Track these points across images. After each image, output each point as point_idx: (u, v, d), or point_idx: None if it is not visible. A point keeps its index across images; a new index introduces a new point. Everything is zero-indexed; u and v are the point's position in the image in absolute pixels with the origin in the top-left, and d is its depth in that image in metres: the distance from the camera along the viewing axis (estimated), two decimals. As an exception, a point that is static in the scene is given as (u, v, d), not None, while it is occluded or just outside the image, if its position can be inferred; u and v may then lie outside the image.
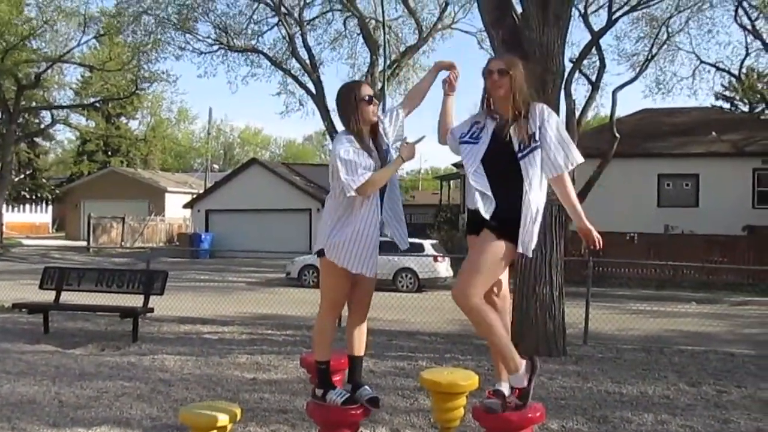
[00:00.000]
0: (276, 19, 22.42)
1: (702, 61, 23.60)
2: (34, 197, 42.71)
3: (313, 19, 23.97)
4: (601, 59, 17.51)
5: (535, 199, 3.50)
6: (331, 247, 3.69)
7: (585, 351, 7.93)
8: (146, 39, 22.44)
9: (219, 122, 62.01)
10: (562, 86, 8.43)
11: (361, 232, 3.67)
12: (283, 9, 21.88)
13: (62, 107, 31.72)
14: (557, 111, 8.01)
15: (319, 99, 21.90)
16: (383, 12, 20.61)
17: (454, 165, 27.90)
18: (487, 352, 6.15)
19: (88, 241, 31.37)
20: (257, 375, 6.42)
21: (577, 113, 16.77)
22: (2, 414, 4.98)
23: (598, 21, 18.89)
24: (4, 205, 29.72)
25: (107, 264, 20.54)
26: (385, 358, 7.22)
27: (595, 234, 3.60)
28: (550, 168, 3.53)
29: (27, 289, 10.94)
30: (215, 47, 23.11)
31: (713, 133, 22.70)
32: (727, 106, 38.09)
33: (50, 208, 46.39)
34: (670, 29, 20.39)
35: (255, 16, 22.73)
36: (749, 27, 21.84)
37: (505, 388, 3.72)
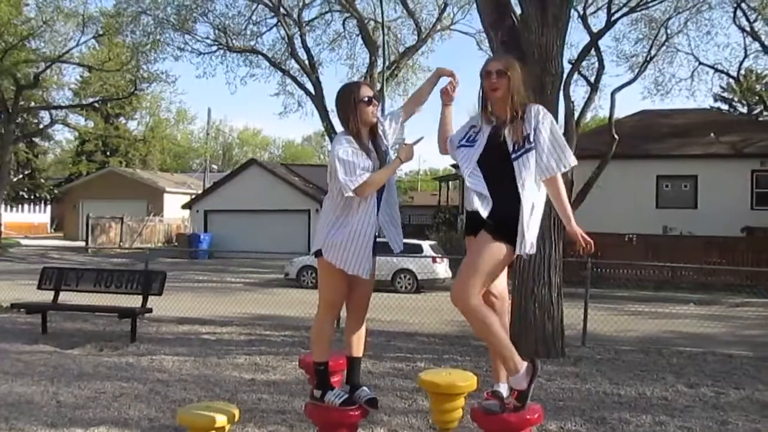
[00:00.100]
0: (275, 20, 22.43)
1: (701, 63, 23.64)
2: (32, 197, 42.66)
3: (312, 19, 24.00)
4: (600, 60, 17.51)
5: (529, 200, 3.50)
6: (329, 247, 3.69)
7: (583, 352, 7.93)
8: (145, 39, 22.42)
9: (218, 123, 62.04)
10: (561, 87, 8.43)
11: (358, 233, 3.67)
12: (282, 10, 21.88)
13: (61, 107, 31.68)
14: (556, 112, 8.02)
15: (318, 100, 21.90)
16: (382, 13, 20.66)
17: (453, 166, 27.89)
18: (485, 354, 6.16)
19: (87, 241, 31.35)
20: (255, 376, 6.42)
21: (576, 114, 16.76)
22: (0, 414, 4.97)
23: (597, 22, 18.91)
24: (3, 205, 29.71)
25: (106, 264, 20.54)
26: (384, 359, 7.21)
27: (584, 237, 3.56)
28: (543, 170, 3.53)
29: (25, 289, 10.93)
30: (214, 48, 23.12)
31: (712, 135, 22.72)
32: (725, 107, 38.16)
33: (49, 208, 46.37)
34: (668, 30, 20.40)
35: (254, 17, 22.76)
36: (748, 29, 21.86)
37: (503, 390, 3.72)
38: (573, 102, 17.15)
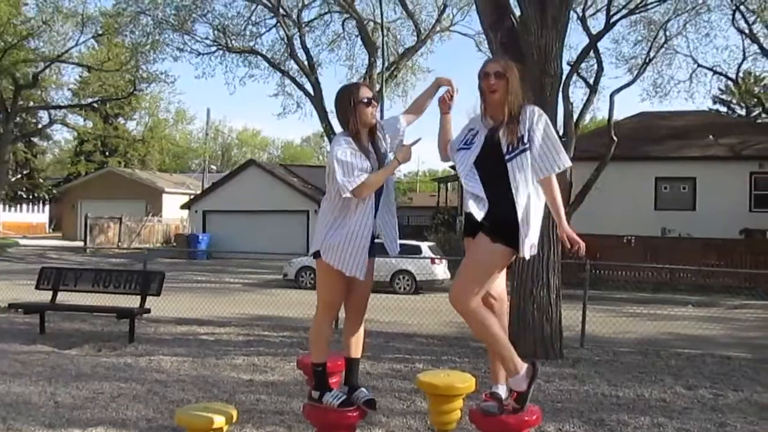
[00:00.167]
0: (274, 21, 22.41)
1: (699, 65, 23.66)
2: (31, 197, 42.65)
3: (312, 20, 23.98)
4: (599, 62, 17.52)
5: (526, 201, 3.50)
6: (327, 248, 3.70)
7: (582, 354, 7.93)
8: (144, 39, 22.41)
9: (217, 123, 62.00)
10: (561, 89, 8.44)
11: (355, 234, 3.67)
12: (281, 10, 21.87)
13: (60, 107, 31.65)
14: (555, 113, 8.03)
15: (317, 100, 21.89)
16: (382, 14, 20.68)
17: (452, 167, 27.88)
18: (484, 355, 6.16)
19: (85, 241, 31.33)
20: (254, 376, 6.41)
21: (575, 116, 16.78)
22: (-3, 414, 4.97)
23: (596, 24, 18.93)
24: (1, 205, 29.70)
25: (104, 264, 20.52)
26: (382, 360, 7.21)
27: (572, 239, 3.54)
28: (537, 170, 3.52)
29: (23, 290, 10.92)
30: (213, 48, 23.10)
31: (710, 137, 22.75)
32: (724, 109, 38.21)
33: (47, 208, 46.33)
34: (667, 32, 20.42)
35: (253, 18, 22.71)
36: (746, 31, 21.89)
37: (502, 391, 3.72)
38: (572, 103, 17.17)
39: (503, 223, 3.49)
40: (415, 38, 23.64)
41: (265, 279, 19.04)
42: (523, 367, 3.53)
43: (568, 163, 3.58)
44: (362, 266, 3.70)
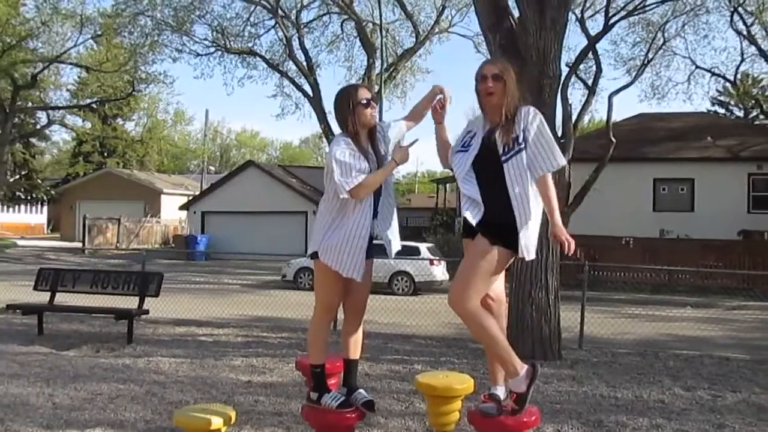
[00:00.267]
0: (273, 22, 22.41)
1: (698, 66, 23.69)
2: (29, 198, 42.61)
3: (311, 21, 23.98)
4: (598, 64, 17.48)
5: (523, 202, 3.49)
6: (325, 249, 3.70)
7: (580, 355, 7.93)
8: (143, 40, 22.40)
9: (216, 124, 62.02)
10: (559, 90, 8.44)
11: (353, 235, 3.67)
12: (280, 11, 21.88)
13: (58, 108, 31.65)
14: (554, 115, 8.03)
15: (315, 101, 21.88)
16: (380, 15, 20.67)
17: (451, 168, 27.89)
18: (482, 356, 6.15)
19: (83, 242, 31.31)
20: (252, 378, 6.41)
21: (574, 117, 16.77)
22: (-5, 416, 4.96)
23: (595, 26, 18.92)
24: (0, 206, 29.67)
25: (102, 265, 20.51)
26: (381, 362, 7.21)
27: (566, 239, 3.50)
28: (532, 169, 3.52)
29: (21, 290, 10.91)
30: (212, 49, 23.10)
31: (708, 138, 22.78)
32: (722, 111, 38.27)
33: (45, 208, 46.28)
34: (666, 34, 20.42)
35: (252, 19, 22.72)
36: (745, 33, 21.93)
37: (500, 392, 3.72)
38: (571, 105, 17.14)
39: (501, 225, 3.49)
40: (414, 39, 23.65)
41: (264, 280, 19.03)
42: (522, 368, 3.53)
43: (563, 162, 3.56)
44: (360, 267, 3.70)
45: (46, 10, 24.14)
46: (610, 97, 18.39)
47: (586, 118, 24.71)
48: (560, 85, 8.94)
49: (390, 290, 16.04)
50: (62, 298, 9.15)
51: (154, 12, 21.60)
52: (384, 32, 21.71)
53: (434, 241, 21.67)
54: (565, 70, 13.23)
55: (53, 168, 52.22)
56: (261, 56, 23.05)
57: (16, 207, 42.92)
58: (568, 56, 18.28)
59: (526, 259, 3.55)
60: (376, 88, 20.41)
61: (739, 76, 25.60)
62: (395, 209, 3.96)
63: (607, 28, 17.55)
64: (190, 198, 34.32)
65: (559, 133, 10.48)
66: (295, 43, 22.16)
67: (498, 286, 3.79)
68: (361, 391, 3.89)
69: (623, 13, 18.23)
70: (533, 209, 3.54)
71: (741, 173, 21.79)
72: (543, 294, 7.46)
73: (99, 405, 5.32)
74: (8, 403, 5.30)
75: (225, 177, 33.60)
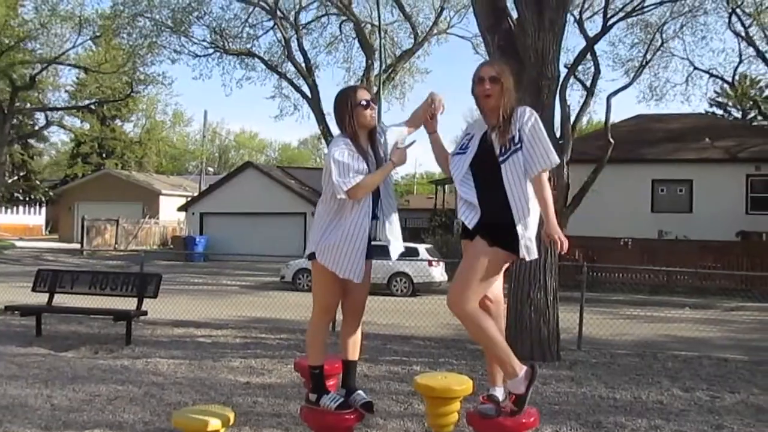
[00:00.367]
0: (271, 23, 22.43)
1: (696, 68, 23.71)
2: (27, 199, 42.58)
3: (309, 22, 24.00)
4: (596, 65, 17.51)
5: (521, 202, 3.49)
6: (322, 250, 3.70)
7: (579, 356, 7.93)
8: (142, 42, 22.39)
9: (215, 125, 61.99)
10: (558, 91, 8.45)
11: (351, 236, 3.67)
12: (278, 13, 21.88)
13: (57, 109, 31.62)
14: (552, 116, 8.03)
15: (314, 103, 21.90)
16: (379, 16, 20.68)
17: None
18: (481, 357, 6.16)
19: (82, 243, 31.30)
20: (251, 379, 6.40)
21: (572, 118, 16.79)
22: (-6, 417, 4.95)
23: (593, 27, 18.95)
24: (-2, 207, 29.67)
25: (101, 266, 20.49)
26: (380, 363, 7.21)
27: (558, 239, 3.48)
28: (527, 169, 3.51)
29: (19, 292, 10.90)
30: (210, 50, 23.11)
31: (707, 139, 22.80)
32: (720, 112, 38.32)
33: (44, 210, 46.25)
34: (664, 35, 20.45)
35: (250, 20, 22.74)
36: (743, 34, 21.95)
37: (499, 393, 3.73)
38: (569, 106, 17.17)
39: (500, 226, 3.49)
40: (413, 41, 23.68)
41: (263, 281, 19.02)
42: (521, 369, 3.53)
43: (556, 160, 3.55)
44: (357, 268, 3.69)
45: (44, 11, 24.14)
46: (608, 99, 18.44)
47: (585, 120, 24.70)
48: (559, 87, 8.94)
49: (389, 291, 16.04)
50: (61, 300, 9.14)
51: (153, 13, 21.61)
52: (382, 33, 21.72)
53: (433, 242, 21.67)
54: (563, 71, 13.26)
55: (51, 169, 52.18)
56: (259, 57, 23.07)
57: (15, 208, 42.88)
58: (566, 57, 18.31)
59: (528, 259, 3.54)
60: (375, 89, 20.40)
61: (737, 77, 25.59)
62: (396, 211, 3.95)
63: (606, 29, 17.58)
64: (189, 199, 34.31)
65: (558, 134, 10.49)
66: (294, 45, 22.18)
67: (496, 287, 3.79)
68: (360, 392, 3.89)
69: (621, 14, 18.27)
70: (532, 209, 3.53)
71: (739, 174, 21.82)
72: (542, 295, 7.46)
73: (97, 406, 5.31)
74: (6, 404, 5.29)
75: (223, 178, 33.59)
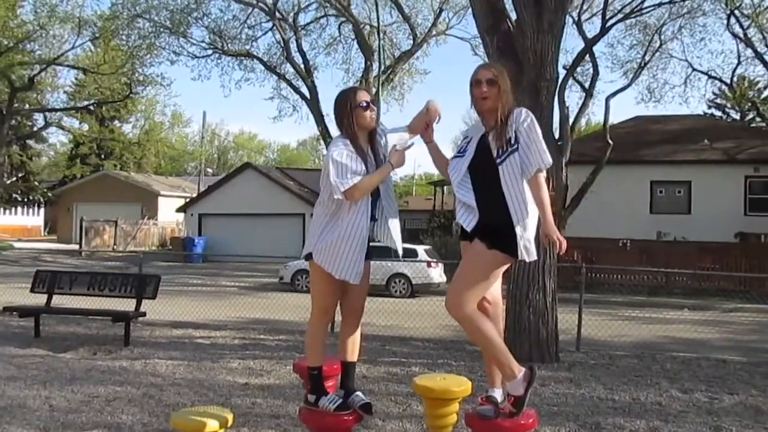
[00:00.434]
0: (270, 24, 22.44)
1: (694, 69, 23.74)
2: (26, 200, 42.57)
3: (308, 24, 24.00)
4: (595, 66, 17.53)
5: (519, 204, 3.49)
6: (319, 251, 3.70)
7: (578, 357, 7.93)
8: (141, 43, 22.39)
9: (214, 126, 62.01)
10: (556, 93, 8.46)
11: (348, 236, 3.66)
12: (277, 14, 21.89)
13: (55, 110, 31.64)
14: (551, 117, 8.04)
15: (313, 104, 21.90)
16: (378, 17, 20.65)
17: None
18: (480, 358, 6.16)
19: (80, 244, 31.26)
20: (249, 380, 6.40)
21: (571, 120, 16.81)
22: (-8, 418, 4.95)
23: (592, 28, 18.99)
24: (-4, 208, 29.65)
25: (99, 267, 20.47)
26: (378, 364, 7.21)
27: (556, 239, 3.46)
28: (524, 169, 3.51)
29: (18, 293, 10.89)
30: (209, 51, 23.10)
31: (705, 141, 22.83)
32: (718, 113, 38.36)
33: (42, 210, 46.24)
34: (662, 36, 20.48)
35: (249, 21, 22.74)
36: (741, 35, 21.98)
37: (497, 395, 3.72)
38: (568, 107, 17.19)
39: (499, 228, 3.49)
40: (412, 42, 23.68)
41: (261, 282, 19.02)
42: (520, 371, 3.53)
43: (549, 161, 3.52)
44: (354, 269, 3.68)
45: (43, 13, 24.15)
46: (607, 100, 18.46)
47: (583, 121, 24.68)
48: (557, 88, 8.96)
49: (387, 292, 16.04)
50: (59, 301, 9.13)
51: (152, 15, 21.60)
52: (381, 35, 21.70)
53: (431, 244, 21.67)
54: (562, 72, 13.27)
55: (50, 170, 52.18)
56: (258, 58, 23.07)
57: (13, 209, 42.87)
58: (565, 59, 18.34)
59: (527, 260, 3.54)
60: (374, 90, 20.41)
61: (735, 78, 25.64)
62: (396, 212, 3.94)
63: (604, 30, 17.60)
64: (188, 200, 34.29)
65: (557, 136, 10.49)
66: (293, 46, 22.19)
67: (495, 289, 3.79)
68: (359, 393, 3.88)
69: (620, 15, 18.28)
70: (530, 210, 3.53)
71: (738, 176, 21.85)
72: (540, 296, 7.46)
73: (96, 407, 5.31)
74: (5, 405, 5.29)
75: (222, 179, 33.59)
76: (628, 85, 20.40)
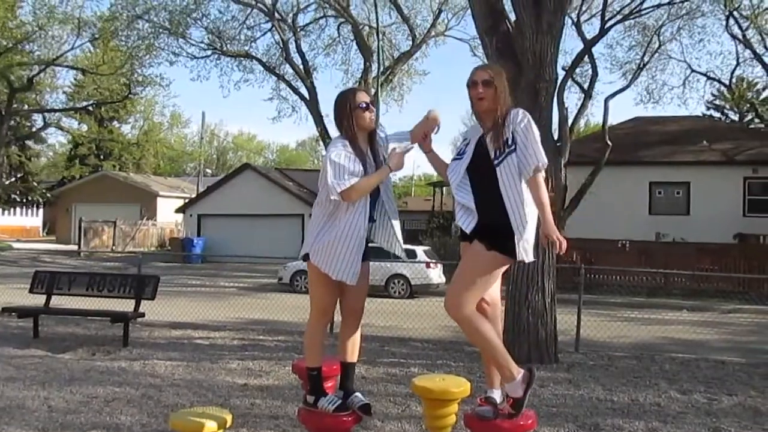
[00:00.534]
0: (269, 25, 22.43)
1: (693, 70, 23.78)
2: (25, 200, 42.52)
3: (307, 24, 24.00)
4: (594, 67, 17.56)
5: (517, 205, 3.49)
6: (316, 251, 3.70)
7: (576, 358, 7.93)
8: (140, 43, 22.38)
9: (213, 127, 61.99)
10: (555, 94, 8.46)
11: (345, 236, 3.66)
12: (276, 15, 21.89)
13: (54, 110, 31.62)
14: (550, 118, 8.04)
15: (312, 104, 21.90)
16: (377, 18, 20.61)
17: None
18: (479, 359, 6.15)
19: (79, 245, 31.23)
20: (248, 381, 6.40)
21: (570, 121, 16.83)
22: (-10, 419, 4.94)
23: (591, 29, 19.01)
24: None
25: (98, 268, 20.45)
26: (377, 365, 7.21)
27: (556, 239, 3.45)
28: (521, 169, 3.50)
29: (17, 293, 10.88)
30: (208, 52, 23.10)
31: (704, 142, 22.84)
32: (717, 115, 38.38)
33: (41, 211, 46.21)
34: (661, 38, 20.51)
35: (248, 22, 22.74)
36: (740, 36, 22.01)
37: (496, 395, 3.73)
38: (567, 108, 17.20)
39: (497, 229, 3.49)
40: (411, 43, 23.69)
41: (260, 283, 19.01)
42: (519, 373, 3.53)
43: (545, 161, 3.51)
44: (351, 270, 3.67)
45: (41, 14, 24.14)
46: (606, 101, 18.50)
47: (582, 122, 24.73)
48: (556, 89, 8.95)
49: (386, 293, 16.03)
50: (58, 301, 9.12)
51: (151, 16, 21.59)
52: (380, 35, 21.73)
53: (431, 244, 21.68)
54: (561, 73, 13.27)
55: (49, 171, 52.14)
56: (257, 59, 23.07)
57: (12, 210, 42.84)
58: (564, 60, 18.35)
59: (525, 261, 3.54)
60: (373, 91, 20.42)
61: (734, 80, 25.67)
62: (396, 213, 3.93)
63: (603, 31, 17.62)
64: (187, 201, 34.28)
65: (556, 137, 10.49)
66: (292, 47, 22.19)
67: (494, 290, 3.79)
68: (358, 394, 3.88)
69: (619, 16, 18.31)
70: (528, 211, 3.53)
71: (736, 177, 21.86)
72: (539, 297, 7.46)
73: (95, 408, 5.30)
74: (3, 406, 5.28)
75: (221, 180, 33.58)
76: (627, 86, 20.43)
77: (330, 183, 3.59)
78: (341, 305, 3.92)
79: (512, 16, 7.74)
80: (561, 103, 14.21)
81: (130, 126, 45.07)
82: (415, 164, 64.10)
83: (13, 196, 40.65)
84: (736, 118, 37.28)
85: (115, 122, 44.20)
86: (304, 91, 22.31)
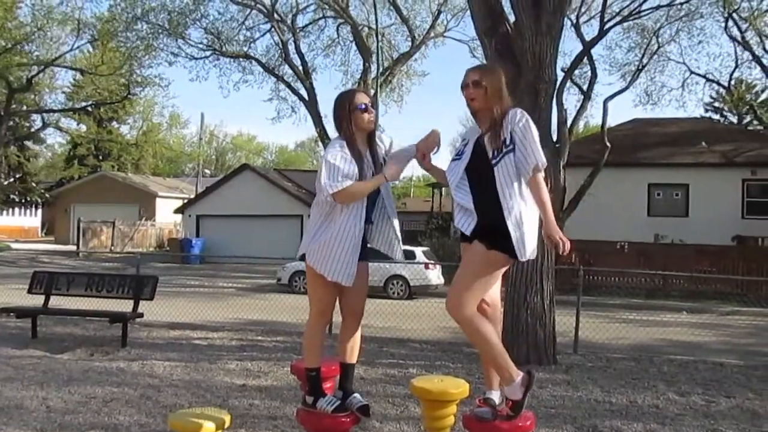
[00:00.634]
0: (269, 26, 22.44)
1: (692, 72, 23.82)
2: (23, 201, 42.51)
3: (306, 25, 24.03)
4: (593, 69, 17.57)
5: (516, 204, 3.48)
6: (312, 252, 3.70)
7: (575, 360, 7.94)
8: (139, 44, 22.37)
9: (212, 128, 61.98)
10: (554, 95, 8.46)
11: (341, 237, 3.65)
12: (275, 15, 21.90)
13: (53, 111, 31.61)
14: (549, 120, 8.04)
15: (311, 105, 21.91)
16: (376, 19, 20.69)
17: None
18: (477, 360, 6.15)
19: (78, 245, 31.21)
20: (247, 381, 6.39)
21: (569, 122, 16.85)
22: (-11, 419, 4.94)
23: (590, 31, 19.01)
24: (-6, 209, 29.61)
25: (97, 268, 20.44)
26: (376, 366, 7.20)
27: (559, 239, 3.45)
28: (520, 169, 3.50)
29: (15, 294, 10.87)
30: (207, 53, 23.11)
31: (703, 144, 22.86)
32: (716, 116, 38.43)
33: (40, 211, 46.19)
34: (660, 39, 20.54)
35: (247, 22, 22.76)
36: (739, 38, 22.05)
37: (495, 397, 3.73)
38: (566, 110, 17.20)
39: (497, 229, 3.49)
40: (410, 44, 23.72)
41: (259, 283, 19.00)
42: (518, 375, 3.53)
43: (544, 161, 3.51)
44: (346, 271, 3.66)
45: (40, 14, 24.13)
46: (605, 102, 18.50)
47: (582, 123, 24.79)
48: (555, 90, 8.95)
49: (385, 294, 16.03)
50: (56, 302, 9.11)
51: (150, 16, 21.58)
52: (380, 36, 21.75)
53: (429, 245, 21.67)
54: (560, 75, 13.27)
55: (48, 171, 52.14)
56: (257, 60, 23.08)
57: (11, 210, 42.81)
58: (563, 61, 18.35)
59: (521, 259, 3.53)
60: (372, 92, 20.44)
61: (733, 81, 25.71)
62: (395, 214, 3.93)
63: (602, 33, 17.63)
64: (185, 201, 34.27)
65: (555, 138, 10.49)
66: (291, 47, 22.21)
67: (494, 291, 3.79)
68: (356, 395, 3.88)
69: (618, 18, 18.33)
70: (526, 210, 3.52)
71: (735, 179, 21.88)
72: (538, 298, 7.46)
73: (93, 408, 5.30)
74: (2, 406, 5.28)
75: (220, 180, 33.58)
76: (626, 88, 20.45)
77: (323, 184, 3.60)
78: (341, 306, 3.92)
79: (511, 18, 7.75)
80: (560, 105, 14.22)
81: (129, 126, 45.10)
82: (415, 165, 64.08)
83: (11, 196, 40.64)
84: (735, 119, 37.35)
85: (114, 123, 44.18)
86: (303, 91, 22.33)
